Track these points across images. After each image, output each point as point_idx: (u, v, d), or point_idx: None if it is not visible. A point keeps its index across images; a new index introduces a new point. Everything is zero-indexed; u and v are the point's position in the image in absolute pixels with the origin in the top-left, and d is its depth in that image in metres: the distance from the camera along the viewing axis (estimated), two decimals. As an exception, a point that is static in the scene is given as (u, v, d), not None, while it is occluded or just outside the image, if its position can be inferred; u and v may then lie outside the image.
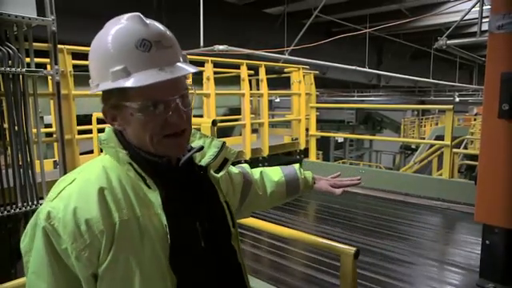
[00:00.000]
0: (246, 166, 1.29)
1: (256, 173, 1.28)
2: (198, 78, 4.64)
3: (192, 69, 0.82)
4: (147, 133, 0.81)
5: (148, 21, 0.81)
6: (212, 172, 0.97)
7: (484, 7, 5.03)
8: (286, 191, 1.31)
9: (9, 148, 2.48)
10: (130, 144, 0.85)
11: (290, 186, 1.31)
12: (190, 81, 4.74)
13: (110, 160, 0.85)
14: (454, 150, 4.71)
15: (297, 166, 1.36)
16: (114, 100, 0.82)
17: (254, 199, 1.25)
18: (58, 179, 0.87)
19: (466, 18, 6.08)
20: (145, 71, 0.77)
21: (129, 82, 0.77)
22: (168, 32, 0.84)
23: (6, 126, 2.47)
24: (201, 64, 4.27)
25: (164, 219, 0.81)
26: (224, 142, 0.98)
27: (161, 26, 0.83)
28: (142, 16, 0.81)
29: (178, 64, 0.81)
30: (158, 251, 0.80)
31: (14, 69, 2.39)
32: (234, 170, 1.22)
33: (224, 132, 6.14)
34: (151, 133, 0.81)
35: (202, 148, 0.95)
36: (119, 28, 0.80)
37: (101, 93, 0.84)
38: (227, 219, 0.96)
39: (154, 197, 0.82)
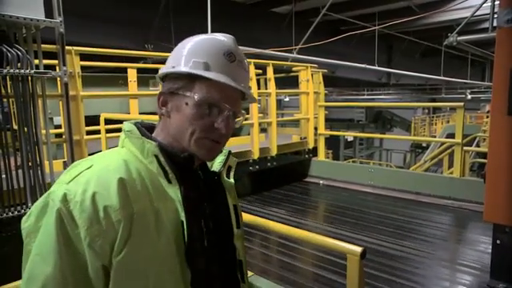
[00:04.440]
0: None
1: None
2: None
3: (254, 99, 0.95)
4: (191, 127, 0.86)
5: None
6: (225, 177, 1.01)
7: (496, 2, 4.93)
8: None
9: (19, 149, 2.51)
10: (153, 139, 0.89)
11: None
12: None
13: (128, 153, 0.86)
14: (465, 148, 4.63)
15: None
16: (177, 86, 0.87)
17: None
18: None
19: (477, 13, 5.95)
20: (222, 74, 0.85)
21: (207, 74, 0.84)
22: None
23: (15, 127, 2.51)
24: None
25: (182, 215, 0.83)
26: (229, 151, 1.02)
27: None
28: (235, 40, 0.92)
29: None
30: (172, 246, 0.81)
31: (23, 70, 2.42)
32: None
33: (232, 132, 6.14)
34: (195, 128, 0.86)
35: (229, 154, 1.01)
36: (215, 38, 0.91)
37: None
38: (231, 220, 0.99)
39: (174, 192, 0.84)
